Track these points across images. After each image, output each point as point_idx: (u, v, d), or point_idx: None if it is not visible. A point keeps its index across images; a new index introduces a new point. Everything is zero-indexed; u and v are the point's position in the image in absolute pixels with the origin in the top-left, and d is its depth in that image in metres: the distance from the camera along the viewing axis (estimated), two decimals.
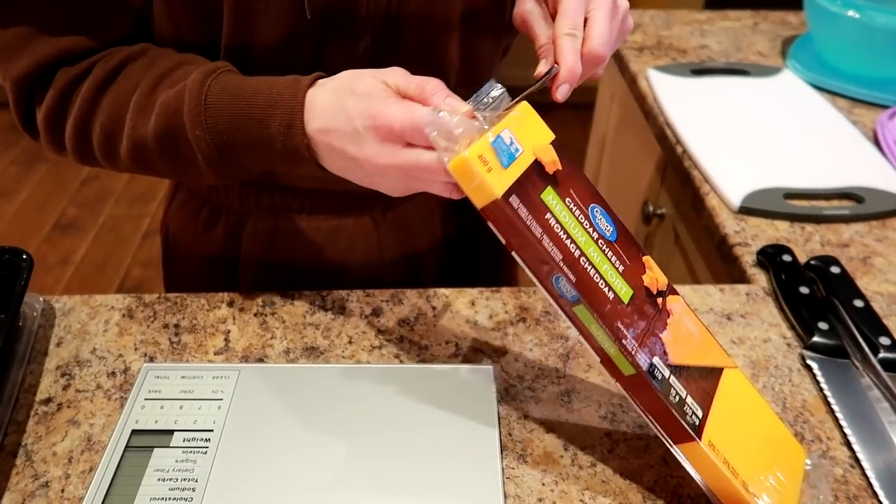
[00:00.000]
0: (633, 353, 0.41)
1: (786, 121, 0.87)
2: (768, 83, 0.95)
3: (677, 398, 0.42)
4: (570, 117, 2.83)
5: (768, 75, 0.97)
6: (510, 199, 0.39)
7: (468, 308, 0.60)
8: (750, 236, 0.70)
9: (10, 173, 2.48)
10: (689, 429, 0.42)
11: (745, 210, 0.72)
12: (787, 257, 0.64)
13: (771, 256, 0.64)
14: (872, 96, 0.92)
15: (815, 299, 0.60)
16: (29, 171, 2.48)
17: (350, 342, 0.57)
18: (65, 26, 0.50)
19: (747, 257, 0.67)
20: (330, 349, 0.56)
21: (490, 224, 0.41)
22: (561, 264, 0.40)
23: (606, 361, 0.42)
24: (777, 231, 0.70)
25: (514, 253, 0.41)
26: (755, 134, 0.84)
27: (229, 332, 0.57)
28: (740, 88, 0.94)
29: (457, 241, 0.72)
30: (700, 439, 0.42)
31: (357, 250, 0.66)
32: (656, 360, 0.42)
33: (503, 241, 0.41)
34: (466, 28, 0.57)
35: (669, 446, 0.43)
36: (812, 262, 0.64)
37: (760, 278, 0.65)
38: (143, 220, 2.29)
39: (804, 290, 0.60)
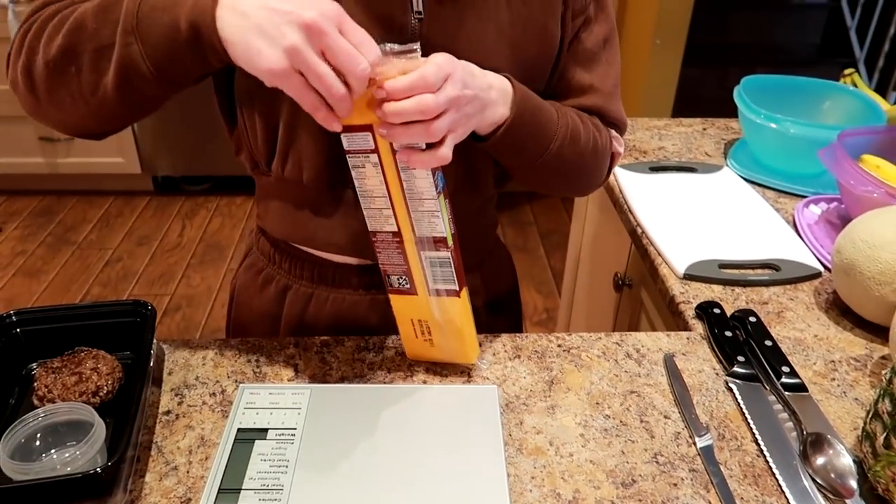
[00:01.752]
0: (453, 229, 0.65)
1: (724, 208, 1.09)
2: (711, 178, 1.18)
3: (462, 266, 0.69)
4: (556, 203, 3.10)
5: (711, 172, 1.20)
6: None
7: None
8: (692, 296, 0.90)
9: (37, 255, 2.68)
10: (464, 281, 0.69)
11: (688, 276, 0.93)
12: (717, 310, 0.84)
13: (705, 310, 0.84)
14: (793, 188, 1.15)
15: (737, 340, 0.79)
16: (56, 253, 2.68)
17: (388, 372, 0.76)
18: None
19: (689, 311, 0.87)
20: (374, 378, 0.75)
21: None
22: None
23: (441, 241, 0.65)
24: (713, 292, 0.91)
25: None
26: (698, 218, 1.06)
27: (297, 365, 0.76)
28: (689, 182, 1.17)
29: None
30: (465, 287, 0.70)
31: (371, 319, 0.84)
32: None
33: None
34: (465, 148, 0.73)
35: (457, 296, 0.69)
36: (736, 314, 0.84)
37: (698, 326, 0.85)
38: (163, 299, 2.47)
39: (728, 333, 0.80)
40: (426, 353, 0.75)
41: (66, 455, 0.59)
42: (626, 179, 1.17)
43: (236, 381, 0.74)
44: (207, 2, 0.55)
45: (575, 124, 0.75)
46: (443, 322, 0.71)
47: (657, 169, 1.20)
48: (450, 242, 0.66)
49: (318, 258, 0.82)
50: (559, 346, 0.80)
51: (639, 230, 1.05)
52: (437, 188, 0.63)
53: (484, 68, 0.66)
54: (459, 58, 0.62)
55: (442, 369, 0.76)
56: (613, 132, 0.84)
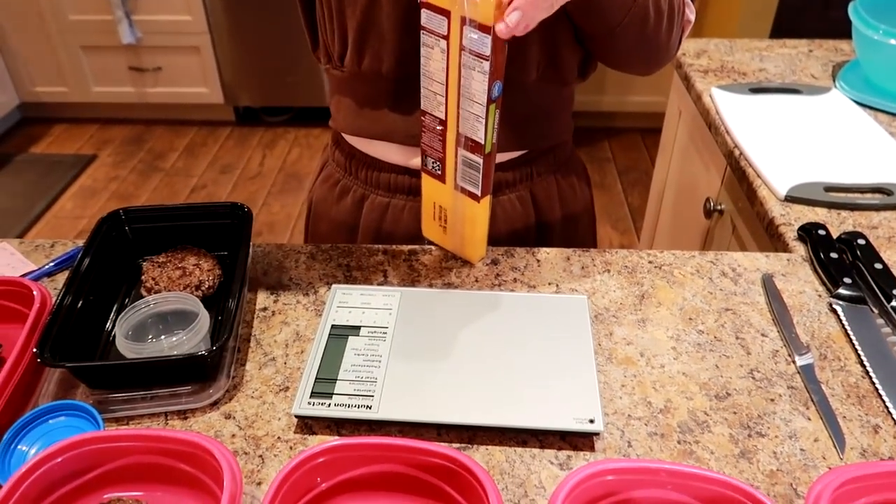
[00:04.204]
0: (494, 139, 0.66)
1: (831, 130, 1.02)
2: (818, 100, 1.11)
3: (492, 175, 0.70)
4: (637, 140, 3.00)
5: (818, 94, 1.12)
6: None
7: (564, 262, 0.78)
8: (793, 218, 0.85)
9: (129, 181, 2.80)
10: (489, 189, 0.70)
11: (790, 199, 0.88)
12: (821, 231, 0.79)
13: (809, 231, 0.80)
14: None
15: (843, 262, 0.75)
16: (146, 179, 2.80)
17: (476, 281, 0.76)
18: None
19: (790, 234, 0.83)
20: (462, 286, 0.75)
21: (493, 33, 0.58)
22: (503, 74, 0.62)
23: (478, 146, 0.66)
24: (816, 216, 0.86)
25: (488, 61, 0.59)
26: (803, 140, 1.00)
27: (386, 271, 0.77)
28: (793, 104, 1.09)
29: (534, 234, 0.89)
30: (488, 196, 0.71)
31: None
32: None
33: (488, 51, 0.59)
34: (548, 30, 0.70)
35: (476, 200, 0.70)
36: (843, 237, 0.79)
37: (800, 249, 0.81)
38: None
39: (834, 255, 0.76)
40: (437, 236, 0.79)
41: (174, 339, 0.63)
42: (723, 100, 1.11)
43: (328, 283, 0.76)
44: None
45: None
46: (458, 216, 0.73)
47: (758, 90, 1.13)
48: (486, 150, 0.66)
49: (394, 166, 0.82)
50: (650, 262, 0.78)
51: (736, 152, 1.00)
52: (490, 96, 0.62)
53: None
54: None
55: (530, 280, 0.76)
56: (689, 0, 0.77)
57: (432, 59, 0.64)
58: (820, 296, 0.74)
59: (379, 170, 0.83)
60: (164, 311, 0.67)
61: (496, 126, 0.65)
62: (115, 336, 0.64)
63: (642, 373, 0.65)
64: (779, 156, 0.96)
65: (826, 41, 1.33)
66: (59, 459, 0.50)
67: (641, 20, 0.70)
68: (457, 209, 0.73)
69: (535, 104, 0.79)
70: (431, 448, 0.50)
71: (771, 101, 1.10)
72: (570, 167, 0.89)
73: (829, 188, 0.89)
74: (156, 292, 0.70)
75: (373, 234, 0.87)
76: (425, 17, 0.62)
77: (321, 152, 2.98)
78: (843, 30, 1.34)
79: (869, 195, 0.89)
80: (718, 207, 1.10)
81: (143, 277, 0.72)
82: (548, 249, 0.80)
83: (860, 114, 1.06)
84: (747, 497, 0.48)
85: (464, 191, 0.71)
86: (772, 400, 0.62)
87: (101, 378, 0.62)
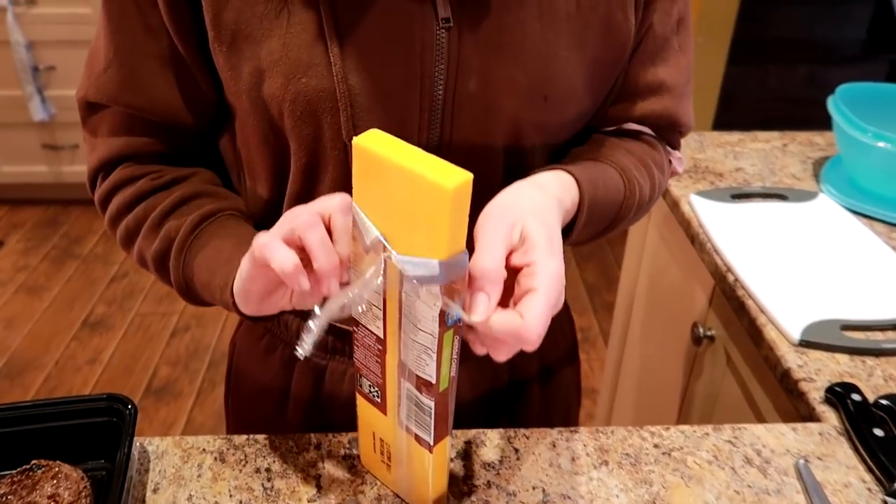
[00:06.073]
0: (453, 371, 0.47)
1: (829, 247, 0.90)
2: (806, 208, 0.99)
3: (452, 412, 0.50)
4: None
5: (805, 200, 1.01)
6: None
7: (549, 450, 0.62)
8: (813, 371, 0.71)
9: (40, 270, 2.53)
10: (447, 430, 0.51)
11: (805, 343, 0.74)
12: (856, 396, 0.65)
13: (840, 395, 0.66)
14: None
15: (891, 441, 0.61)
16: (59, 268, 2.53)
17: None
18: (139, 130, 0.60)
19: (814, 393, 0.69)
20: None
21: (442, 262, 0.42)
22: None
23: (427, 385, 0.47)
24: (839, 365, 0.72)
25: (437, 288, 0.43)
26: (802, 262, 0.87)
27: (320, 477, 0.59)
28: (780, 213, 0.98)
29: (506, 395, 0.73)
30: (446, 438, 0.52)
31: None
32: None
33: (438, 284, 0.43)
34: (510, 154, 0.59)
35: (429, 449, 0.50)
36: (881, 402, 0.65)
37: (830, 416, 0.66)
38: (171, 318, 2.31)
39: (878, 432, 0.61)
40: (380, 473, 0.58)
41: None
42: (704, 210, 0.98)
43: (240, 501, 0.56)
44: (228, 298, 0.53)
45: (642, 191, 0.64)
46: (405, 458, 0.53)
47: (740, 196, 1.02)
48: (441, 387, 0.47)
49: (332, 325, 0.65)
50: (655, 446, 0.62)
51: (730, 277, 0.86)
52: (444, 322, 0.44)
53: (532, 86, 0.55)
54: (500, 75, 0.54)
55: (508, 484, 0.58)
56: (677, 154, 0.72)
57: (363, 261, 0.46)
58: (870, 490, 0.59)
59: None
60: None
61: (455, 356, 0.47)
62: None
63: None
64: (781, 284, 0.82)
65: (799, 133, 1.24)
66: None
67: (624, 219, 0.64)
68: (402, 449, 0.53)
69: None
70: None
71: (757, 211, 0.98)
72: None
73: (846, 326, 0.76)
74: None
75: (307, 405, 0.69)
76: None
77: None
78: (783, 119, 1.26)
79: (892, 333, 0.76)
80: (708, 333, 0.96)
81: None
82: (526, 433, 0.63)
83: (855, 224, 0.95)
84: None
85: (410, 431, 0.51)
86: None
87: None
